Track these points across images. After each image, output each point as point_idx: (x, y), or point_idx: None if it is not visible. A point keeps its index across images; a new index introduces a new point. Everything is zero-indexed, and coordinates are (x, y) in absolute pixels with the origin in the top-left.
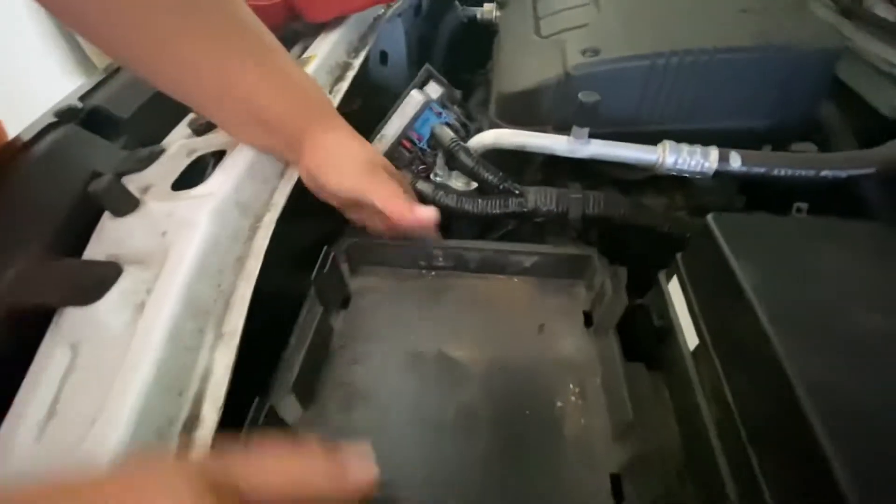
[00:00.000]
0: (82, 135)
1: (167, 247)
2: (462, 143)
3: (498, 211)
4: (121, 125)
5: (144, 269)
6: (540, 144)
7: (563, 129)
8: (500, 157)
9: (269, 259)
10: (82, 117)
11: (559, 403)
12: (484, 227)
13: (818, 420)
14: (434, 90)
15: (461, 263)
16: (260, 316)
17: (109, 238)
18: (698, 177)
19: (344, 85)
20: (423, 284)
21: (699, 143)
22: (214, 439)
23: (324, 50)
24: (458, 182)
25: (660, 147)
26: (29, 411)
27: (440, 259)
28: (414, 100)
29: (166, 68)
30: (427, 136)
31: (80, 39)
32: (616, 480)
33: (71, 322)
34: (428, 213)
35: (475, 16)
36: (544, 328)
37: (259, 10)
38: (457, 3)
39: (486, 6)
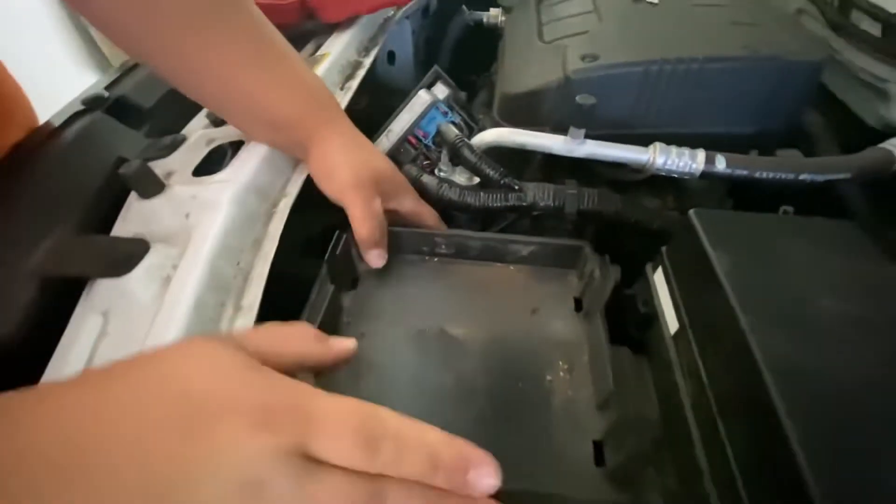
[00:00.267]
0: (108, 122)
1: (191, 227)
2: (466, 139)
3: (498, 204)
4: (144, 114)
5: (170, 246)
6: (538, 143)
7: (562, 129)
8: (502, 156)
9: (284, 243)
10: (108, 105)
11: (549, 377)
12: (485, 222)
13: (778, 393)
14: (441, 91)
15: (462, 251)
16: (275, 292)
17: (136, 218)
18: (686, 177)
19: (354, 83)
20: (426, 269)
21: (689, 146)
22: None
23: (336, 48)
24: (461, 177)
25: (651, 148)
26: (66, 371)
27: (443, 247)
28: (422, 99)
29: (177, 68)
30: (432, 133)
31: (96, 35)
32: (598, 447)
33: (102, 292)
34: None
35: (481, 20)
36: (538, 311)
37: (274, 9)
38: (464, 7)
39: (493, 11)
